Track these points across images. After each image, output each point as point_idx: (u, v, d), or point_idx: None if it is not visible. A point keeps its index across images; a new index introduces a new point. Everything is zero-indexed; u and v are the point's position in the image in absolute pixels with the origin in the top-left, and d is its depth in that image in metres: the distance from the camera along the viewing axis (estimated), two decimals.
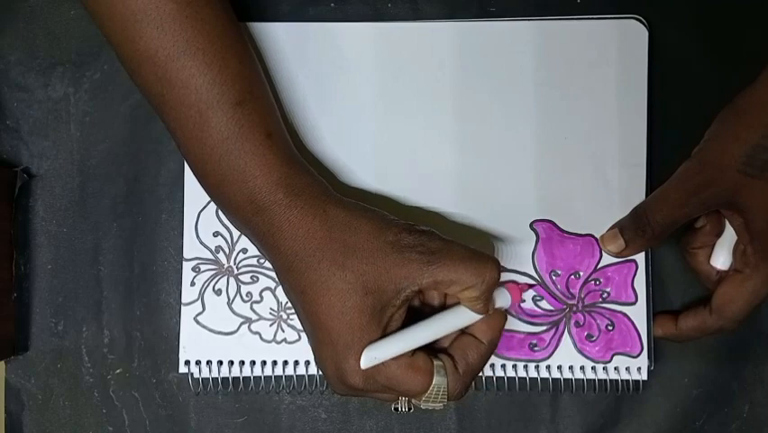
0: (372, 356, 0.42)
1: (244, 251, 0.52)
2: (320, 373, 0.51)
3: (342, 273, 0.42)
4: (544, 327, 0.52)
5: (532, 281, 0.52)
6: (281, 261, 0.44)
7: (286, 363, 0.52)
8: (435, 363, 0.44)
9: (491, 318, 0.46)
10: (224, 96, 0.43)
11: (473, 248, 0.44)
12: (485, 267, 0.43)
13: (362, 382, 0.43)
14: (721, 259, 0.48)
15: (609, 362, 0.51)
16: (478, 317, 0.45)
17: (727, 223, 0.47)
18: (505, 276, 0.52)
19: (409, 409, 0.46)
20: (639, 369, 0.51)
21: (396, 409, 0.46)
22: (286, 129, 0.47)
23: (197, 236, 0.52)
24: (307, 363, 0.52)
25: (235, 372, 0.52)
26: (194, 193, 0.52)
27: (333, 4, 0.53)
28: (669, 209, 0.46)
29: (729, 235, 0.47)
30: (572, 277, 0.52)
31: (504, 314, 0.47)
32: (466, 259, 0.43)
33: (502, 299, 0.46)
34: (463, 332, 0.46)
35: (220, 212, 0.52)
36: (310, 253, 0.43)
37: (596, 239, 0.51)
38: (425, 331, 0.44)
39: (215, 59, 0.43)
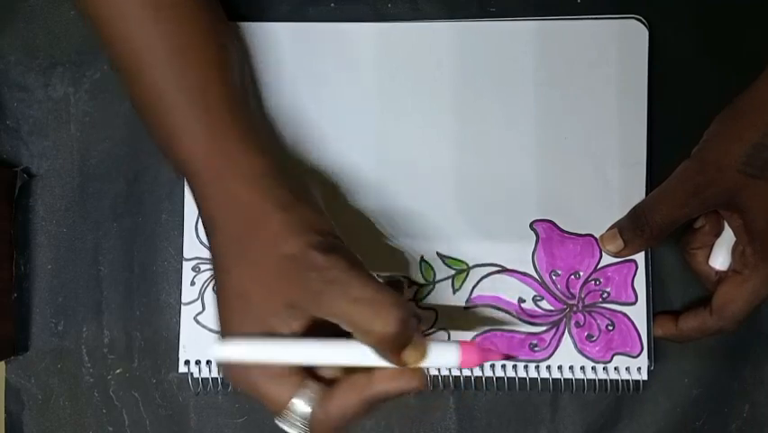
0: (225, 355, 0.39)
1: None
2: None
3: (235, 272, 0.40)
4: (545, 328, 0.52)
5: (530, 287, 0.52)
6: (205, 223, 0.42)
7: None
8: (305, 388, 0.39)
9: (402, 374, 0.39)
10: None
11: (384, 287, 0.39)
12: (380, 318, 0.37)
13: (225, 373, 0.41)
14: (720, 259, 0.48)
15: (609, 362, 0.51)
16: (385, 361, 0.39)
17: (726, 223, 0.47)
18: (505, 276, 0.52)
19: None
20: (639, 369, 0.51)
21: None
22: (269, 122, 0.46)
23: (197, 236, 0.52)
24: None
25: None
26: None
27: (333, 5, 0.53)
28: (668, 209, 0.46)
29: (728, 236, 0.47)
30: (572, 277, 0.52)
31: (421, 378, 0.39)
32: (360, 300, 0.38)
33: (445, 354, 0.40)
34: (363, 371, 0.40)
35: None
36: (217, 233, 0.41)
37: (596, 239, 0.51)
38: (310, 349, 0.39)
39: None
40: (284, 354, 0.39)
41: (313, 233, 0.40)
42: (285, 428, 0.39)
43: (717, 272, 0.48)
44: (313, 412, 0.39)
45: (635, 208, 0.47)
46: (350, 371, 0.40)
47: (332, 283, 0.38)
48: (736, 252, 0.47)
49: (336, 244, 0.41)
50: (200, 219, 0.44)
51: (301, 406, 0.39)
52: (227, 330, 0.41)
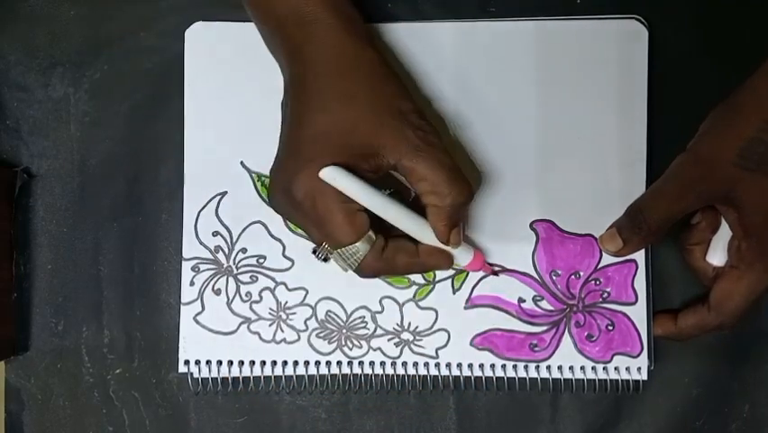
0: (333, 175, 0.43)
1: (244, 250, 0.52)
2: (319, 371, 0.52)
3: (344, 105, 0.44)
4: (545, 328, 0.52)
5: (530, 287, 0.52)
6: (300, 71, 0.45)
7: (285, 363, 0.52)
8: (371, 232, 0.44)
9: (439, 251, 0.47)
10: None
11: (460, 168, 0.45)
12: (459, 184, 0.44)
13: (302, 196, 0.43)
14: (717, 255, 0.48)
15: (609, 362, 0.51)
16: (433, 239, 0.46)
17: (723, 218, 0.47)
18: (505, 276, 0.52)
19: (325, 259, 0.46)
20: (639, 369, 0.51)
21: (314, 251, 0.46)
22: None
23: (197, 236, 0.52)
24: (307, 363, 0.52)
25: (235, 372, 0.52)
26: (194, 193, 0.52)
27: None
28: (664, 205, 0.45)
29: (725, 231, 0.47)
30: (573, 277, 0.52)
31: (450, 261, 0.47)
32: (447, 168, 0.44)
33: (463, 253, 0.48)
34: (411, 239, 0.47)
35: (220, 211, 0.52)
36: (329, 74, 0.44)
37: (596, 239, 0.51)
38: (385, 205, 0.45)
39: None
40: (373, 200, 0.44)
41: (412, 99, 0.46)
42: (339, 263, 0.45)
43: (715, 268, 0.48)
44: (367, 255, 0.45)
45: (631, 206, 0.47)
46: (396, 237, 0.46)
47: (429, 144, 0.44)
48: (732, 247, 0.47)
49: (425, 114, 0.46)
50: (288, 65, 0.46)
51: (362, 246, 0.44)
52: (318, 153, 0.43)
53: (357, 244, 0.44)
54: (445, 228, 0.45)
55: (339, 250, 0.44)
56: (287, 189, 0.44)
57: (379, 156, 0.44)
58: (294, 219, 0.46)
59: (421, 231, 0.46)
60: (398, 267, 0.46)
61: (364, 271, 0.46)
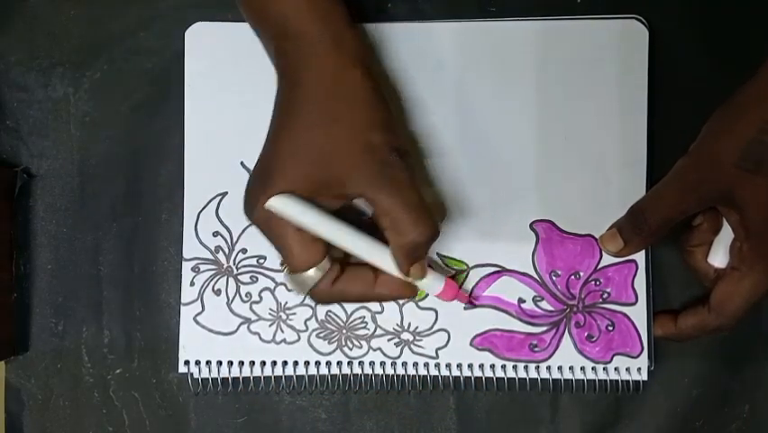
0: (281, 204, 0.42)
1: (244, 251, 0.52)
2: (319, 371, 0.52)
3: (313, 133, 0.43)
4: (545, 328, 0.52)
5: (530, 288, 0.52)
6: (284, 86, 0.44)
7: (285, 363, 0.52)
8: (326, 260, 0.44)
9: (400, 283, 0.46)
10: None
11: (428, 208, 0.43)
12: (422, 223, 0.43)
13: (258, 220, 0.43)
14: (719, 257, 0.48)
15: (609, 362, 0.51)
16: (393, 268, 0.45)
17: (725, 220, 0.47)
18: (505, 276, 0.52)
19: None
20: (639, 369, 0.51)
21: (282, 264, 0.46)
22: None
23: (197, 236, 0.52)
24: (307, 363, 0.52)
25: (235, 372, 0.52)
26: (194, 193, 0.52)
27: None
28: (665, 207, 0.45)
29: (727, 233, 0.47)
30: (573, 277, 0.52)
31: (412, 291, 0.47)
32: (411, 206, 0.42)
33: (433, 282, 0.47)
34: (370, 268, 0.46)
35: (220, 212, 0.52)
36: (307, 94, 0.43)
37: (596, 239, 0.51)
38: (342, 234, 0.44)
39: None
40: (325, 228, 0.43)
41: (394, 136, 0.44)
42: (289, 284, 0.46)
43: (716, 270, 0.48)
44: (320, 282, 0.44)
45: (632, 207, 0.47)
46: (355, 264, 0.46)
47: (395, 181, 0.43)
48: (733, 248, 0.47)
49: (408, 154, 0.45)
50: (277, 78, 0.45)
51: (314, 274, 0.44)
52: (280, 178, 0.42)
53: (309, 272, 0.43)
54: (405, 263, 0.44)
55: (290, 276, 0.44)
56: (248, 211, 0.44)
57: (344, 186, 0.43)
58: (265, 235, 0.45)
59: (382, 261, 0.45)
60: (351, 296, 0.46)
61: (315, 297, 0.45)
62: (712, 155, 0.44)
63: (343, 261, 0.45)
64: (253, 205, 0.43)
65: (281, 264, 0.46)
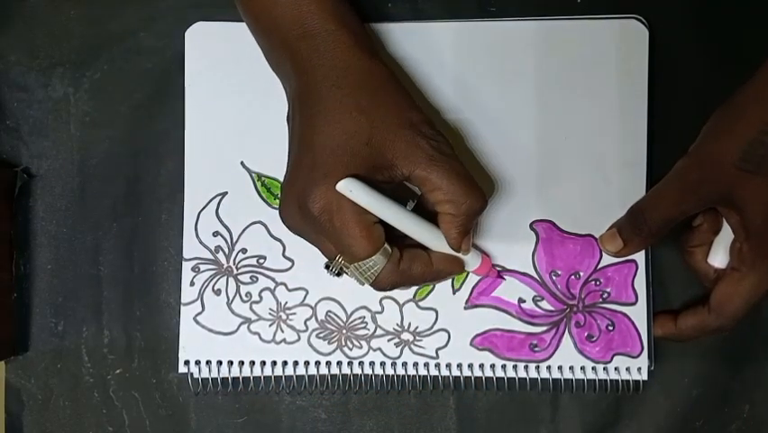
0: (350, 187, 0.42)
1: (244, 251, 0.52)
2: (319, 371, 0.52)
3: (358, 117, 0.43)
4: (545, 328, 0.52)
5: (530, 288, 0.52)
6: (307, 83, 0.44)
7: (285, 363, 0.52)
8: (387, 244, 0.44)
9: (452, 259, 0.47)
10: None
11: (473, 176, 0.45)
12: (473, 193, 0.44)
13: (318, 210, 0.43)
14: (719, 257, 0.48)
15: (610, 362, 0.51)
16: (446, 247, 0.46)
17: (725, 220, 0.47)
18: (505, 276, 0.52)
19: (338, 274, 0.45)
20: (639, 369, 0.51)
21: (326, 266, 0.46)
22: None
23: (197, 236, 0.52)
24: (306, 363, 0.52)
25: (235, 372, 0.52)
26: (194, 193, 0.52)
27: None
28: (665, 207, 0.46)
29: (727, 233, 0.47)
30: (573, 277, 0.52)
31: (462, 266, 0.47)
32: (462, 176, 0.44)
33: (473, 258, 0.48)
34: (423, 248, 0.46)
35: (220, 212, 0.52)
36: (340, 86, 0.44)
37: (596, 239, 0.51)
38: (400, 216, 0.44)
39: None
40: (389, 212, 0.44)
41: (421, 109, 0.45)
42: (356, 276, 0.45)
43: (716, 270, 0.48)
44: (384, 268, 0.44)
45: (632, 207, 0.47)
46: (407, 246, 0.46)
47: (442, 154, 0.44)
48: (733, 249, 0.47)
49: (435, 123, 0.45)
50: (295, 78, 0.45)
51: (379, 259, 0.44)
52: (337, 165, 0.43)
53: (374, 257, 0.43)
54: (459, 236, 0.45)
55: (355, 264, 0.44)
56: (302, 204, 0.43)
57: (394, 167, 0.43)
58: (306, 234, 0.45)
59: (434, 239, 0.46)
60: (415, 277, 0.46)
61: (381, 283, 0.45)
62: (712, 156, 0.44)
63: (397, 244, 0.46)
64: (305, 197, 0.43)
65: (332, 260, 0.45)
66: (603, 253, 0.51)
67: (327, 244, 0.44)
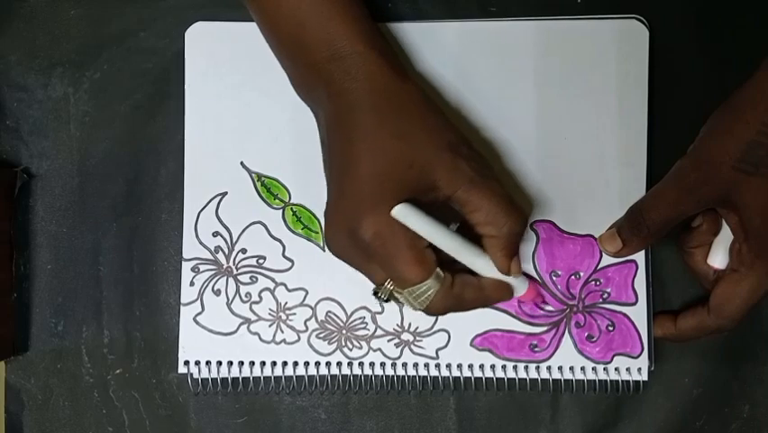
0: (405, 213, 0.42)
1: (243, 251, 0.52)
2: (319, 371, 0.52)
3: (398, 143, 0.43)
4: (545, 328, 0.52)
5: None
6: (342, 107, 0.44)
7: (285, 363, 0.52)
8: (439, 269, 0.44)
9: (501, 285, 0.46)
10: None
11: (512, 196, 0.45)
12: (514, 213, 0.44)
13: (371, 237, 0.42)
14: (718, 258, 0.48)
15: (610, 362, 0.51)
16: (494, 271, 0.46)
17: (724, 221, 0.47)
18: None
19: (387, 300, 0.45)
20: (639, 369, 0.51)
21: (375, 293, 0.45)
22: None
23: (197, 236, 0.52)
24: (306, 363, 0.52)
25: (235, 372, 0.52)
26: (194, 193, 0.52)
27: None
28: (664, 208, 0.45)
29: (726, 234, 0.47)
30: (573, 277, 0.52)
31: (511, 293, 0.47)
32: (502, 197, 0.44)
33: (520, 284, 0.48)
34: (471, 272, 0.46)
35: (220, 212, 0.52)
36: (377, 110, 0.43)
37: (596, 239, 0.51)
38: (451, 240, 0.44)
39: None
40: (440, 237, 0.44)
41: (458, 129, 0.46)
42: (409, 302, 0.44)
43: (716, 271, 0.48)
44: (438, 293, 0.44)
45: (631, 208, 0.47)
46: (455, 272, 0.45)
47: (482, 176, 0.44)
48: (733, 250, 0.47)
49: (473, 143, 0.46)
50: (327, 102, 0.45)
51: (432, 284, 0.43)
52: (385, 192, 0.42)
53: (427, 281, 0.43)
54: (505, 258, 0.45)
55: (409, 289, 0.44)
56: (352, 232, 0.43)
57: (436, 189, 0.43)
58: (356, 261, 0.45)
59: (483, 263, 0.45)
60: (467, 303, 0.46)
61: (434, 309, 0.45)
62: (711, 156, 0.44)
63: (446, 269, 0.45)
64: (356, 224, 0.42)
65: (380, 286, 0.44)
66: (603, 254, 0.51)
67: (377, 269, 0.44)
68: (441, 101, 0.51)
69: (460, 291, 0.45)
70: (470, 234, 0.45)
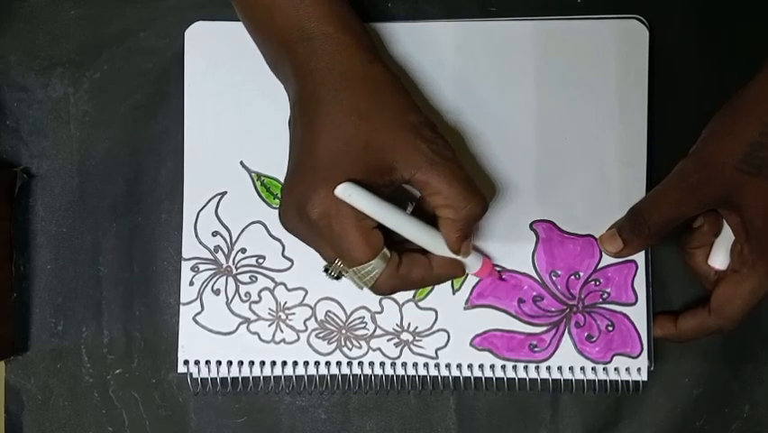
0: (348, 192, 0.42)
1: (243, 250, 0.52)
2: (319, 371, 0.52)
3: (356, 121, 0.43)
4: (545, 328, 0.52)
5: (530, 288, 0.52)
6: (306, 86, 0.44)
7: (285, 363, 0.52)
8: (386, 249, 0.44)
9: (452, 262, 0.46)
10: None
11: (473, 180, 0.44)
12: (473, 198, 0.44)
13: (317, 215, 0.42)
14: (719, 259, 0.48)
15: (609, 362, 0.51)
16: (446, 250, 0.46)
17: (725, 222, 0.47)
18: (505, 276, 0.52)
19: (338, 277, 0.45)
20: (639, 369, 0.51)
21: (325, 270, 0.45)
22: None
23: (196, 236, 0.52)
24: (306, 363, 0.52)
25: (234, 372, 0.52)
26: (193, 193, 0.52)
27: None
28: (665, 208, 0.45)
29: (727, 235, 0.47)
30: (573, 277, 0.52)
31: (462, 270, 0.47)
32: (462, 181, 0.44)
33: (473, 261, 0.48)
34: (423, 252, 0.46)
35: (219, 211, 0.52)
36: (338, 89, 0.43)
37: (596, 239, 0.51)
38: (399, 220, 0.44)
39: None
40: (388, 216, 0.43)
41: (421, 111, 0.45)
42: (354, 280, 0.45)
43: (717, 272, 0.48)
44: (383, 273, 0.44)
45: (632, 208, 0.47)
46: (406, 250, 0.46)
47: (443, 158, 0.43)
48: (734, 251, 0.47)
49: (436, 126, 0.45)
50: (295, 82, 0.45)
51: (378, 264, 0.44)
52: (335, 170, 0.42)
53: (373, 261, 0.43)
54: (458, 240, 0.45)
55: (354, 268, 0.44)
56: (300, 209, 0.43)
57: (394, 171, 0.43)
58: (306, 238, 0.45)
59: (434, 243, 0.45)
60: (414, 281, 0.46)
61: (380, 288, 0.45)
62: (713, 157, 0.44)
63: (396, 249, 0.46)
64: (305, 202, 0.43)
65: (331, 264, 0.44)
66: (603, 254, 0.51)
67: (326, 248, 0.44)
68: (441, 101, 0.51)
69: (407, 271, 0.45)
70: (425, 214, 0.46)
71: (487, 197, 0.45)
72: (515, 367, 0.51)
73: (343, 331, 0.52)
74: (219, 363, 0.52)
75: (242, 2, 0.47)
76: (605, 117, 0.51)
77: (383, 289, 0.45)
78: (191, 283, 0.52)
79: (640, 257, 0.51)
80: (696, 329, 0.49)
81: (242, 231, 0.52)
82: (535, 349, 0.51)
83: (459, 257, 0.46)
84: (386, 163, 0.43)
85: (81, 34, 0.53)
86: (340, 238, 0.43)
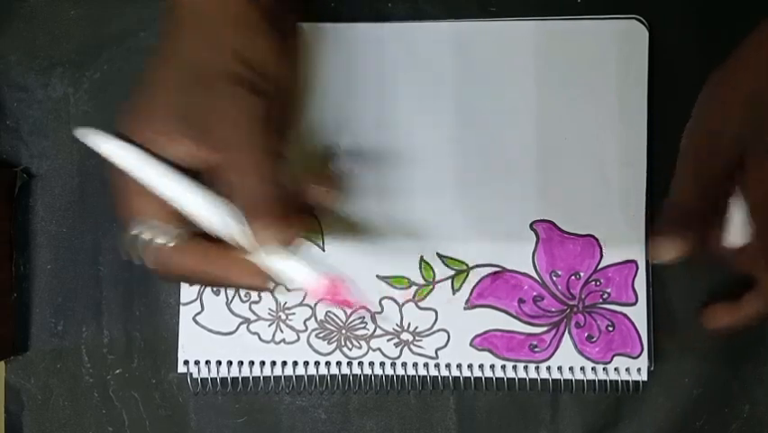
0: (96, 141, 0.39)
1: None
2: (319, 371, 0.52)
3: (186, 52, 0.40)
4: (545, 328, 0.52)
5: (530, 288, 0.52)
6: (168, 21, 0.42)
7: (285, 363, 0.52)
8: (171, 227, 0.39)
9: (249, 267, 0.39)
10: None
11: (273, 162, 0.38)
12: (259, 172, 0.37)
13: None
14: (738, 234, 0.44)
15: (609, 362, 0.51)
16: (243, 240, 0.38)
17: (732, 199, 0.44)
18: (505, 276, 0.52)
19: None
20: (639, 370, 0.51)
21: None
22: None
23: None
24: (306, 363, 0.52)
25: (234, 372, 0.52)
26: None
27: (332, 4, 0.53)
28: (690, 184, 0.43)
29: (738, 210, 0.43)
30: (573, 277, 0.52)
31: (263, 280, 0.39)
32: (256, 149, 0.37)
33: (308, 276, 0.39)
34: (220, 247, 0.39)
35: None
36: (183, 14, 0.41)
37: (596, 239, 0.51)
38: (177, 187, 0.38)
39: None
40: (155, 180, 0.38)
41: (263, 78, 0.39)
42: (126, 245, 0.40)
43: (738, 249, 0.44)
44: (159, 249, 0.39)
45: (665, 206, 0.44)
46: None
47: (244, 113, 0.38)
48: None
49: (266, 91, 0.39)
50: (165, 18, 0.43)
51: (146, 235, 0.38)
52: (144, 114, 0.40)
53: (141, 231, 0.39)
54: (249, 217, 0.38)
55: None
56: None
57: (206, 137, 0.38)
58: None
59: (224, 222, 0.39)
60: (185, 270, 0.40)
61: (162, 268, 0.40)
62: (713, 127, 0.43)
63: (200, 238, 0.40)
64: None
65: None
66: (603, 254, 0.51)
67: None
68: (440, 101, 0.51)
69: (182, 260, 0.39)
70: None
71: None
72: (515, 367, 0.51)
73: (343, 331, 0.52)
74: (219, 363, 0.52)
75: None
76: (605, 117, 0.51)
77: (156, 265, 0.39)
78: None
79: (640, 257, 0.51)
80: (755, 317, 0.45)
81: None
82: (535, 349, 0.51)
83: (259, 242, 0.37)
84: (192, 111, 0.39)
85: (81, 34, 0.53)
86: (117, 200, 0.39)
